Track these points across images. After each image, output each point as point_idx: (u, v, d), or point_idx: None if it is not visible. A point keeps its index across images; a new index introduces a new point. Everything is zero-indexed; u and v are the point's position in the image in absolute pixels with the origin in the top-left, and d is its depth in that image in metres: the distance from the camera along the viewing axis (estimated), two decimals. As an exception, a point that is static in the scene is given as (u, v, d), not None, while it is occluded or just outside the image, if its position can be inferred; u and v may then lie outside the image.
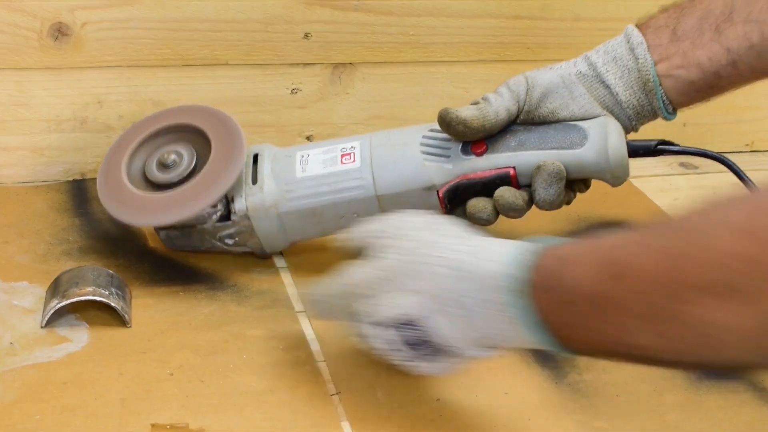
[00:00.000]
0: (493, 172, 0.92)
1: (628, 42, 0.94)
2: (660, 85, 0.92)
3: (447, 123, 0.92)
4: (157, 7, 1.09)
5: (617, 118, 0.94)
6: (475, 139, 0.93)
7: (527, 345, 0.69)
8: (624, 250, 0.63)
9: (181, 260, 0.98)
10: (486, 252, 0.69)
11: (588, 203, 1.09)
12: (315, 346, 0.89)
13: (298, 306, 0.94)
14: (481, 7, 1.19)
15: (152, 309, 0.91)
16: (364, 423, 0.81)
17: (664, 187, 1.22)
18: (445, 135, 0.94)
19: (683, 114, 1.28)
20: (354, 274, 0.76)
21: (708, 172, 1.27)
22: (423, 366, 0.75)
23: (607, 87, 0.93)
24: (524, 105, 0.93)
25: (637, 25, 0.95)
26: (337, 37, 1.15)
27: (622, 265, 0.63)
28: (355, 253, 0.79)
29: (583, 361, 0.89)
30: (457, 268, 0.70)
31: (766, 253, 0.56)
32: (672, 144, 0.96)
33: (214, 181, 0.95)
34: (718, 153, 0.96)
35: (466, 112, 0.91)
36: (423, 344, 0.73)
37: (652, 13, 0.96)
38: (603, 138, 0.91)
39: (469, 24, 1.19)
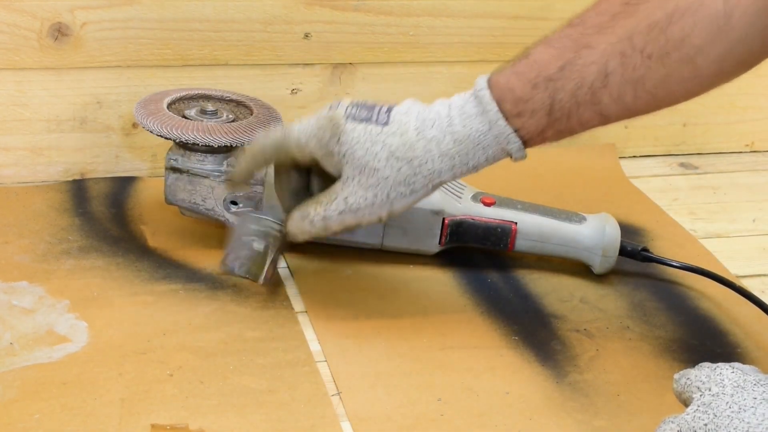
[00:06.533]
0: (498, 221, 1.00)
1: (502, 147, 0.85)
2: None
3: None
4: (156, 7, 1.09)
5: None
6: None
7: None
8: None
9: (181, 259, 0.98)
10: None
11: (588, 204, 1.09)
12: (315, 346, 0.89)
13: (298, 306, 0.94)
14: (481, 7, 1.19)
15: (152, 308, 0.91)
16: (365, 423, 0.81)
17: (664, 187, 1.22)
18: (461, 182, 1.01)
19: (684, 114, 1.29)
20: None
21: (708, 173, 1.27)
22: None
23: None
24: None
25: (507, 110, 0.84)
26: (337, 38, 1.15)
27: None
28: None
29: (583, 360, 0.89)
30: None
31: None
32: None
33: (259, 124, 0.99)
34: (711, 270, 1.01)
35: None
36: None
37: (514, 82, 0.84)
38: (602, 221, 1.01)
39: (469, 24, 1.19)
